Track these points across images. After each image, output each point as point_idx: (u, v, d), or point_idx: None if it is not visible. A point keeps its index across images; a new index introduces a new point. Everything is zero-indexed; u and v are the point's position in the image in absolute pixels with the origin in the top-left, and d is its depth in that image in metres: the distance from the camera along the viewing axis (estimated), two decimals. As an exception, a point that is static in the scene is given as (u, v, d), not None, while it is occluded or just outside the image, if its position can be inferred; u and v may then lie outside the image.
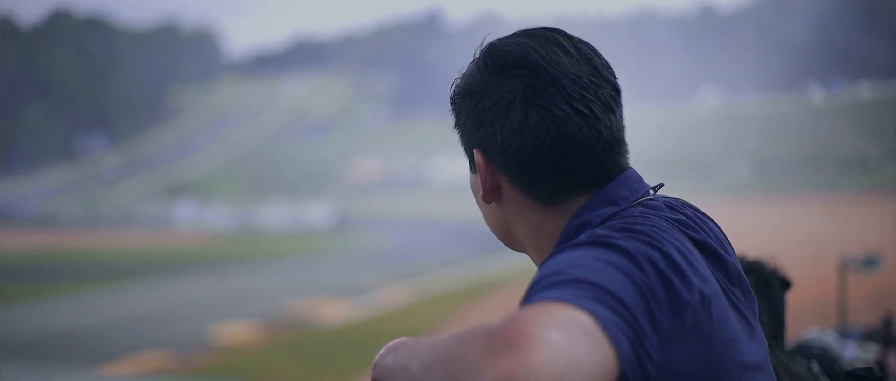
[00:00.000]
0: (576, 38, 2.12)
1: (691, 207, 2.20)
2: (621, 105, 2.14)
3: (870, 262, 22.42)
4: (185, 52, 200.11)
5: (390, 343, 1.96)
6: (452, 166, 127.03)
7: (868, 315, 31.15)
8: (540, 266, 1.93)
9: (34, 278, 55.42)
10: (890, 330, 18.50)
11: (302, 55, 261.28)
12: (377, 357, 1.98)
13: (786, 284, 4.54)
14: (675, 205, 2.16)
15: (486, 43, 2.19)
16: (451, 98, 2.27)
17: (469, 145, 2.19)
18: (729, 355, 1.92)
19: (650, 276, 1.81)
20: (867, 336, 15.73)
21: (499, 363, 1.59)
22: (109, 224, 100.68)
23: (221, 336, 35.23)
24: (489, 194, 2.15)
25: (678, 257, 1.89)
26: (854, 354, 10.08)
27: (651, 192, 2.15)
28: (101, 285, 50.86)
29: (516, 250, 2.21)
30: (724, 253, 2.09)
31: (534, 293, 1.74)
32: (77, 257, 69.49)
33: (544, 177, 2.08)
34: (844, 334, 12.99)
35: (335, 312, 40.46)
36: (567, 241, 2.02)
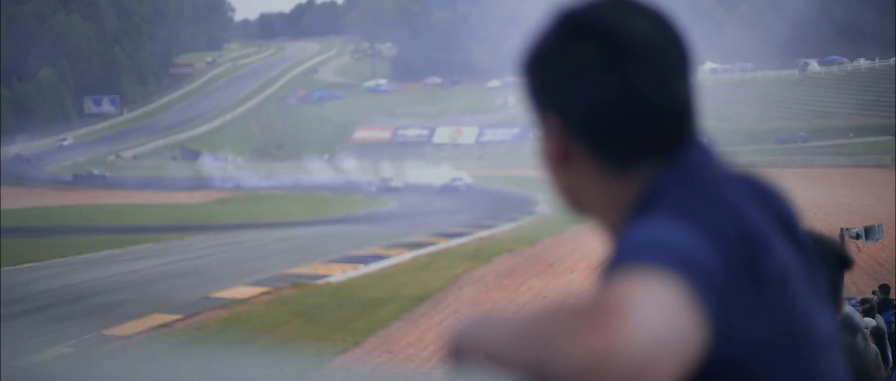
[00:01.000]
0: (650, 2, 2.08)
1: (765, 177, 2.14)
2: (694, 73, 2.08)
3: (870, 233, 23.29)
4: (194, 18, 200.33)
5: (469, 317, 1.85)
6: (455, 133, 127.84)
7: (863, 287, 32.17)
8: (620, 235, 1.88)
9: (45, 237, 56.16)
10: (887, 298, 19.47)
11: (309, 20, 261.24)
12: (455, 330, 1.83)
13: (846, 262, 4.36)
14: (748, 174, 2.10)
15: (557, 7, 2.11)
16: (522, 63, 2.09)
17: (540, 110, 2.08)
18: (807, 330, 1.89)
19: (733, 247, 1.79)
20: (865, 307, 16.58)
21: (592, 336, 1.55)
22: (119, 185, 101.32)
23: (228, 296, 36.02)
24: (561, 159, 2.06)
25: (757, 229, 1.86)
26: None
27: (723, 159, 2.08)
28: (111, 245, 51.58)
29: (584, 217, 2.12)
30: (796, 225, 2.05)
31: (620, 262, 1.70)
32: (87, 216, 70.03)
33: (616, 142, 1.99)
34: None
35: (337, 272, 41.37)
36: (642, 209, 1.95)
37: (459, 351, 1.78)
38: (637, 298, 1.57)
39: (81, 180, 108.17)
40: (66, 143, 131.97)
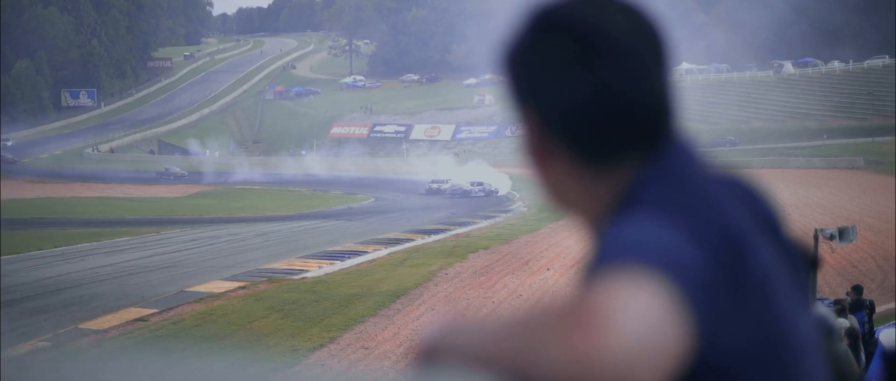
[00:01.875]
0: None
1: (747, 177, 2.11)
2: (672, 68, 2.05)
3: (844, 234, 23.36)
4: (172, 12, 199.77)
5: (441, 321, 1.81)
6: (432, 129, 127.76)
7: (836, 288, 32.34)
8: (602, 233, 1.86)
9: (21, 229, 55.96)
10: (860, 299, 19.60)
11: (287, 16, 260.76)
12: (426, 334, 1.80)
13: (813, 263, 4.41)
14: (731, 174, 2.08)
15: (533, 3, 2.09)
16: (499, 60, 2.07)
17: (519, 106, 2.06)
18: (788, 333, 1.88)
19: (716, 248, 1.77)
20: (838, 308, 16.66)
21: (576, 339, 1.53)
22: (96, 179, 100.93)
23: (204, 291, 36.01)
24: (539, 154, 2.04)
25: (740, 230, 1.84)
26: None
27: (704, 158, 2.05)
28: (87, 239, 51.45)
29: (566, 212, 2.08)
30: (779, 227, 2.03)
31: (603, 263, 1.68)
32: (65, 210, 69.82)
33: (593, 138, 1.95)
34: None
35: (313, 268, 41.40)
36: (623, 206, 1.93)
37: (432, 352, 1.77)
38: (621, 300, 1.56)
39: (54, 173, 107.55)
40: (9, 143, 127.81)
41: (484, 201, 75.85)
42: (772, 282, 1.88)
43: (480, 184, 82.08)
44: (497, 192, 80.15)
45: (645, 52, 1.97)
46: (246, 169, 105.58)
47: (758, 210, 2.01)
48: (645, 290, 1.58)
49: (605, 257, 1.72)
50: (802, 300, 2.01)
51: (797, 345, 1.91)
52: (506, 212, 66.44)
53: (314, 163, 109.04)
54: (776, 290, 1.88)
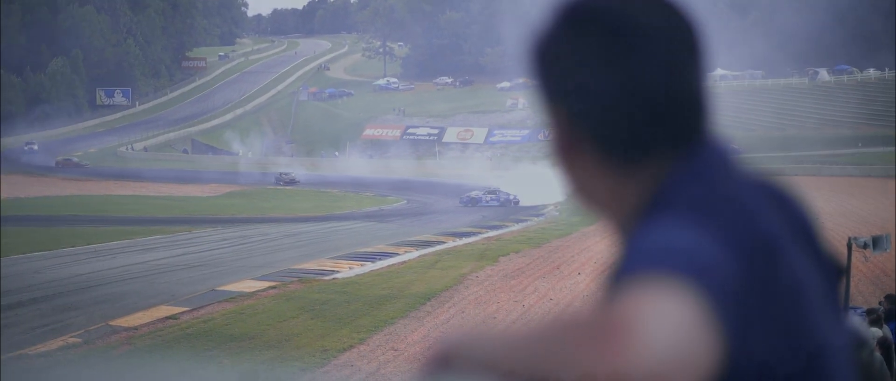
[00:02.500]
0: None
1: (782, 182, 2.05)
2: (707, 67, 1.97)
3: (878, 243, 23.12)
4: (207, 12, 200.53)
5: (458, 333, 1.75)
6: (465, 132, 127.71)
7: (869, 297, 32.09)
8: (631, 236, 1.80)
9: (55, 226, 56.31)
10: (893, 309, 19.39)
11: (322, 17, 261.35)
12: (441, 345, 1.75)
13: (840, 271, 4.25)
14: (765, 179, 2.01)
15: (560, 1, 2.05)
16: (527, 56, 2.01)
17: (548, 104, 2.00)
18: (820, 342, 1.81)
19: (748, 254, 1.71)
20: (871, 317, 16.49)
21: (605, 351, 1.48)
22: (130, 177, 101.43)
23: (235, 290, 36.11)
24: (568, 154, 1.99)
25: (773, 236, 1.79)
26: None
27: (738, 161, 1.97)
28: (120, 237, 51.72)
29: (593, 212, 2.02)
30: (812, 233, 1.96)
31: (632, 269, 1.62)
32: (97, 207, 70.20)
33: (623, 137, 1.89)
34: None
35: (344, 269, 41.44)
36: (653, 208, 1.86)
37: (449, 360, 1.71)
38: (650, 310, 1.50)
39: (87, 170, 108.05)
40: (35, 148, 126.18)
41: (498, 210, 71.59)
42: (804, 291, 1.81)
43: (494, 192, 77.57)
44: (517, 202, 75.84)
45: (678, 49, 1.90)
46: (279, 169, 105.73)
47: (792, 217, 1.94)
48: (674, 299, 1.49)
49: (633, 264, 1.66)
50: (835, 310, 1.94)
51: (829, 355, 1.84)
52: (537, 216, 66.33)
53: (347, 164, 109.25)
54: (808, 299, 1.82)
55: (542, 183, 67.08)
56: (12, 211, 63.37)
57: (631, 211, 1.91)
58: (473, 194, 77.21)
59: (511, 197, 76.62)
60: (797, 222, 1.94)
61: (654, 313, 1.47)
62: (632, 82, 1.86)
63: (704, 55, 1.94)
